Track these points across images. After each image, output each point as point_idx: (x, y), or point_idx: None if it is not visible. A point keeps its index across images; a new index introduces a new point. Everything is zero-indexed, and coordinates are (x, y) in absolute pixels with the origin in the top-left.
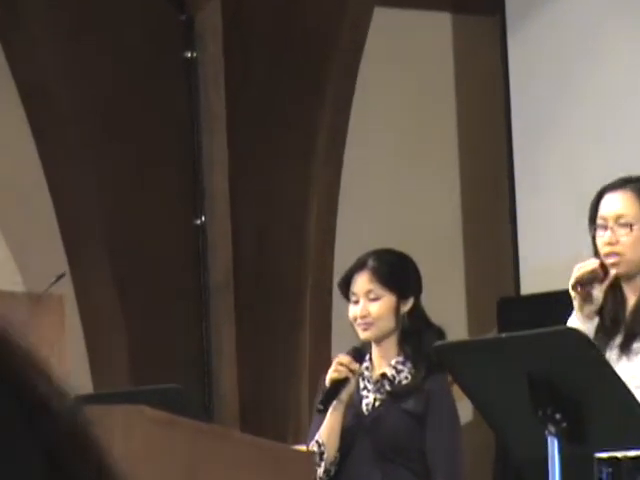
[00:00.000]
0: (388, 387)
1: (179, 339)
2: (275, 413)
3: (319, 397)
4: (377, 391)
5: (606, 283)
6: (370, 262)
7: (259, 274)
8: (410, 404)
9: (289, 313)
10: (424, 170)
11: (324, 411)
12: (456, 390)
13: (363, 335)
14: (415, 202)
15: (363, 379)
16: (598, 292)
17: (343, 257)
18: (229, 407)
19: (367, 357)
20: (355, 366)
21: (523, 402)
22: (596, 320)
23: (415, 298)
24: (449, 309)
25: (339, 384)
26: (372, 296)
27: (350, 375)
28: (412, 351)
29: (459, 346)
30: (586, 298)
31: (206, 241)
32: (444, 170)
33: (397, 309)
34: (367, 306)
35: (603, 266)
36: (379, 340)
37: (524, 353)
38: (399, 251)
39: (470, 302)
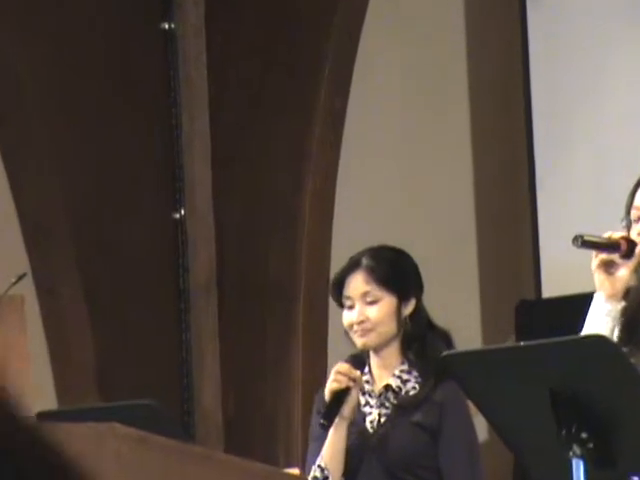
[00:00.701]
0: (393, 400)
1: (154, 348)
2: (264, 432)
3: (316, 416)
4: (381, 405)
5: (634, 261)
6: (365, 261)
7: (245, 275)
8: (420, 416)
9: (280, 319)
10: (432, 159)
11: (328, 427)
12: (469, 404)
13: (361, 343)
14: (423, 195)
15: (364, 394)
16: (625, 270)
17: (341, 255)
18: (211, 425)
19: (366, 369)
20: (356, 374)
21: (545, 419)
22: (621, 304)
23: (417, 299)
24: (461, 314)
25: (341, 395)
26: (369, 299)
27: (351, 384)
28: (416, 357)
29: (471, 356)
30: (608, 270)
31: (185, 237)
32: (455, 158)
33: (398, 312)
34: (364, 310)
35: (629, 242)
36: (379, 348)
37: (546, 364)
38: (395, 247)
39: (485, 306)
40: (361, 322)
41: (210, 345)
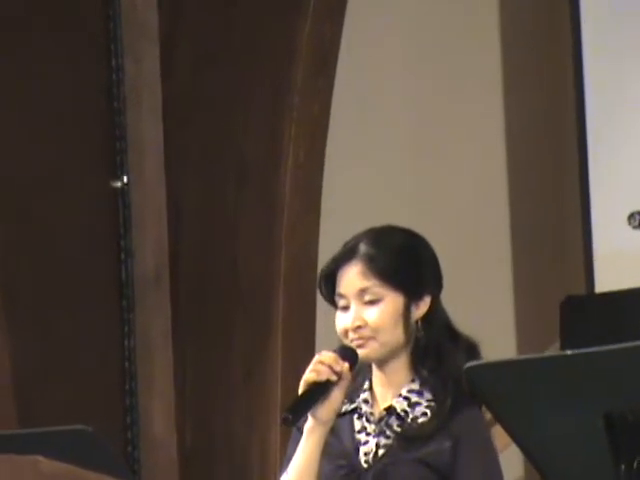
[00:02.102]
0: (397, 427)
1: (88, 359)
2: (232, 467)
3: (295, 433)
4: (380, 434)
5: None
6: (363, 247)
7: (207, 263)
8: (430, 452)
9: (252, 321)
10: (454, 123)
11: (293, 422)
12: (498, 433)
13: (360, 355)
14: (440, 169)
15: (360, 417)
16: None
17: (332, 240)
18: (162, 458)
19: (365, 385)
20: (342, 367)
21: (598, 452)
22: None
23: (433, 297)
24: (490, 315)
25: (318, 389)
26: (368, 298)
27: (334, 378)
28: (430, 375)
29: (502, 368)
30: None
31: (129, 213)
32: (482, 118)
33: (406, 315)
34: (362, 312)
35: None
36: (382, 361)
37: (600, 379)
38: (404, 228)
39: (520, 305)
40: (358, 327)
41: (161, 354)
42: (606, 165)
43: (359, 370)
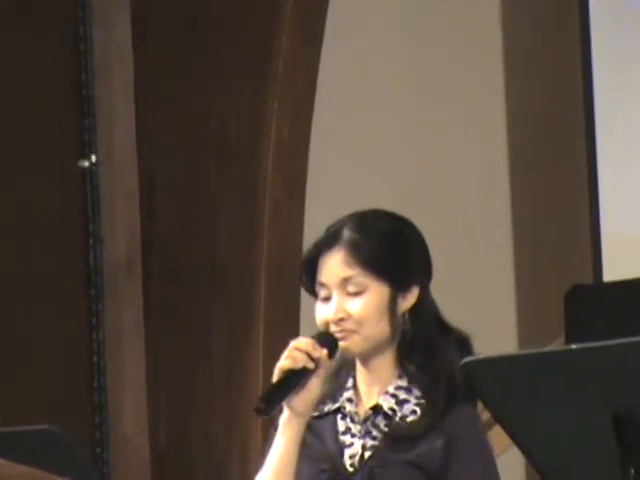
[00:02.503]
0: (384, 427)
1: (55, 350)
2: (209, 470)
3: (274, 433)
4: (367, 434)
5: None
6: (346, 233)
7: (183, 248)
8: (420, 453)
9: (232, 312)
10: (453, 100)
11: (266, 412)
12: (497, 434)
13: (341, 348)
14: (437, 151)
15: (344, 417)
16: None
17: (318, 225)
18: (134, 460)
19: (349, 383)
20: (320, 354)
21: (605, 454)
22: None
23: (421, 288)
24: (489, 306)
25: (293, 377)
26: (352, 288)
27: (310, 366)
28: (419, 370)
29: (502, 364)
30: None
31: (98, 195)
32: (483, 103)
33: (392, 307)
34: (344, 304)
35: None
36: (366, 356)
37: (608, 376)
38: (391, 212)
39: (522, 294)
40: (340, 320)
41: (132, 347)
42: (615, 148)
43: (342, 367)
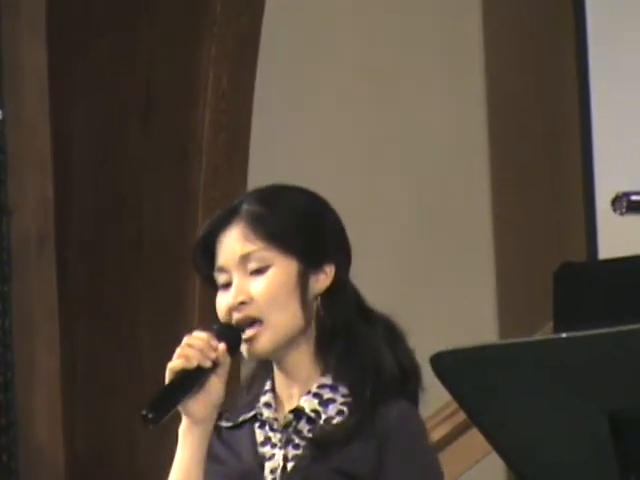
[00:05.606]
0: (308, 433)
1: None
2: (133, 477)
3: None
4: (289, 443)
5: None
6: (245, 207)
7: (104, 224)
8: (350, 459)
9: (162, 299)
10: (425, 65)
11: (155, 421)
12: (475, 438)
13: (245, 348)
14: (404, 116)
15: (262, 426)
16: None
17: None
18: (47, 465)
19: (267, 386)
20: (218, 349)
21: (601, 460)
22: None
23: (337, 267)
24: (465, 290)
25: (187, 379)
26: (253, 265)
27: (207, 365)
28: (342, 364)
29: (480, 355)
30: None
31: (4, 159)
32: (460, 68)
33: (303, 285)
34: (246, 285)
35: None
36: (280, 352)
37: (604, 371)
38: (299, 186)
39: (503, 273)
40: (241, 304)
41: (44, 338)
42: (611, 101)
43: (257, 371)
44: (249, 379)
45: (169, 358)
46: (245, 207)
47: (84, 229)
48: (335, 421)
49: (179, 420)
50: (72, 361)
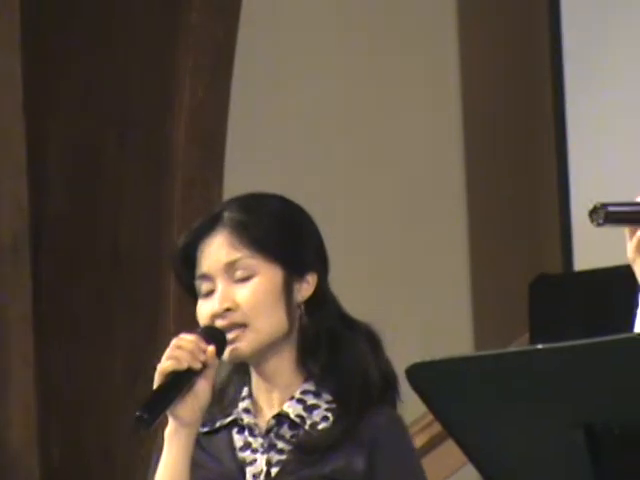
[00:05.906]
0: (291, 438)
1: None
2: None
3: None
4: (271, 448)
5: None
6: (227, 214)
7: (80, 231)
8: (337, 466)
9: (138, 307)
10: (401, 68)
11: (149, 423)
12: (449, 450)
13: (228, 350)
14: (382, 117)
15: (241, 431)
16: None
17: None
18: (21, 475)
19: (244, 392)
20: (207, 351)
21: (576, 472)
22: None
23: (319, 276)
24: (441, 300)
25: (177, 380)
26: (239, 273)
27: (197, 367)
28: (326, 371)
29: (455, 367)
30: None
31: None
32: (435, 69)
33: (287, 293)
34: (231, 292)
35: None
36: (262, 357)
37: (579, 381)
38: (279, 195)
39: (478, 284)
40: (227, 311)
41: (19, 345)
42: (585, 117)
43: (232, 376)
44: (223, 384)
45: (145, 368)
46: (228, 215)
47: (60, 235)
48: (320, 427)
49: (155, 430)
50: (47, 368)
